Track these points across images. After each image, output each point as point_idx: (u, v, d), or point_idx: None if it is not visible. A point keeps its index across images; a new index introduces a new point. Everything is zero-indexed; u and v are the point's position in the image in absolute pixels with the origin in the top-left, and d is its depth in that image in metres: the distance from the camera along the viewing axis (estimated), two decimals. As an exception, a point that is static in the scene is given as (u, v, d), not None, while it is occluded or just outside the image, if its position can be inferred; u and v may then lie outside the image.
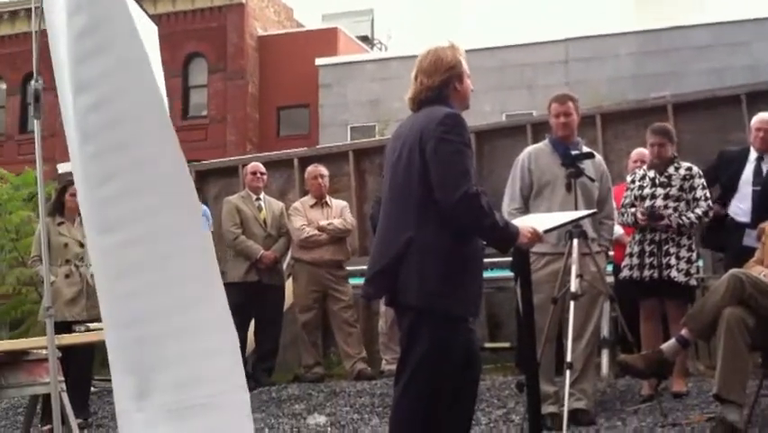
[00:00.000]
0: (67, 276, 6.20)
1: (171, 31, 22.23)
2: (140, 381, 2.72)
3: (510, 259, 5.94)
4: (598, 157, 5.25)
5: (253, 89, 24.17)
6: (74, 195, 5.85)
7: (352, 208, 7.97)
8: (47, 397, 4.82)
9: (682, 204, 5.33)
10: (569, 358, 4.50)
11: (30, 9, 3.52)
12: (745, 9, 20.75)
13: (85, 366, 6.19)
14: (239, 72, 23.89)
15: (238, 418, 2.73)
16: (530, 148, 5.32)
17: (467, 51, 3.51)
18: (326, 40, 24.38)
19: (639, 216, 5.31)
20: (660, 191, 5.37)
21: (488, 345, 7.32)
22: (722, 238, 5.89)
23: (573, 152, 4.90)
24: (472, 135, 4.32)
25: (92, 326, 4.97)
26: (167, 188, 2.75)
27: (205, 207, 7.50)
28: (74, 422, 4.47)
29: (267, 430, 5.51)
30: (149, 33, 4.29)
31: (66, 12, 2.79)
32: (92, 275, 5.79)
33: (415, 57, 3.50)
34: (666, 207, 5.31)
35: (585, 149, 5.08)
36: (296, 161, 9.21)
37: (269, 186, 8.20)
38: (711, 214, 5.41)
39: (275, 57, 24.04)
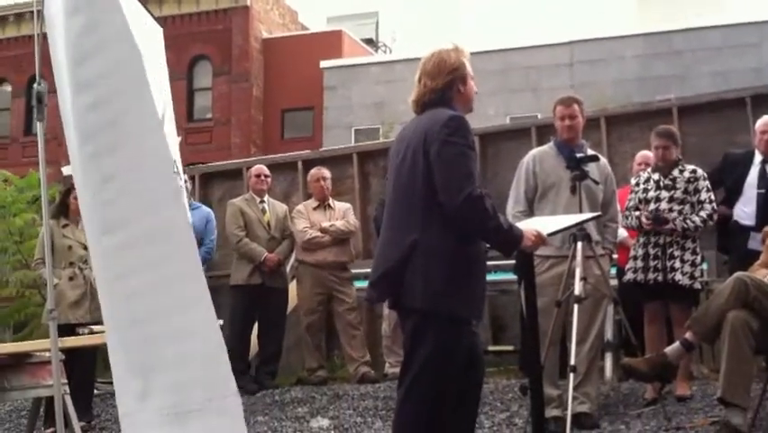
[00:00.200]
0: (71, 278, 6.19)
1: (176, 33, 22.27)
2: (142, 382, 2.72)
3: (514, 262, 5.91)
4: (603, 160, 5.24)
5: (258, 92, 24.20)
6: (78, 197, 5.85)
7: (356, 211, 7.96)
8: (50, 400, 4.80)
9: (687, 207, 5.32)
10: (572, 361, 4.49)
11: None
12: (753, 12, 20.54)
13: (88, 369, 6.18)
14: (243, 75, 23.93)
15: (238, 422, 2.73)
16: (534, 151, 5.31)
17: (471, 54, 3.50)
18: (331, 42, 24.41)
19: (644, 221, 5.30)
20: (664, 194, 5.35)
21: (491, 348, 7.30)
22: (726, 241, 5.89)
23: (578, 155, 4.90)
24: (476, 138, 4.30)
25: (95, 328, 4.97)
26: (165, 188, 2.75)
27: (209, 210, 7.50)
28: (77, 425, 4.48)
29: (270, 433, 5.51)
30: (154, 35, 4.31)
31: (64, 13, 2.81)
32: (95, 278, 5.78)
33: (419, 59, 3.49)
34: (671, 209, 5.29)
35: (590, 151, 5.09)
36: (300, 164, 9.18)
37: (274, 188, 8.20)
38: (716, 217, 5.40)
39: (280, 59, 24.07)
